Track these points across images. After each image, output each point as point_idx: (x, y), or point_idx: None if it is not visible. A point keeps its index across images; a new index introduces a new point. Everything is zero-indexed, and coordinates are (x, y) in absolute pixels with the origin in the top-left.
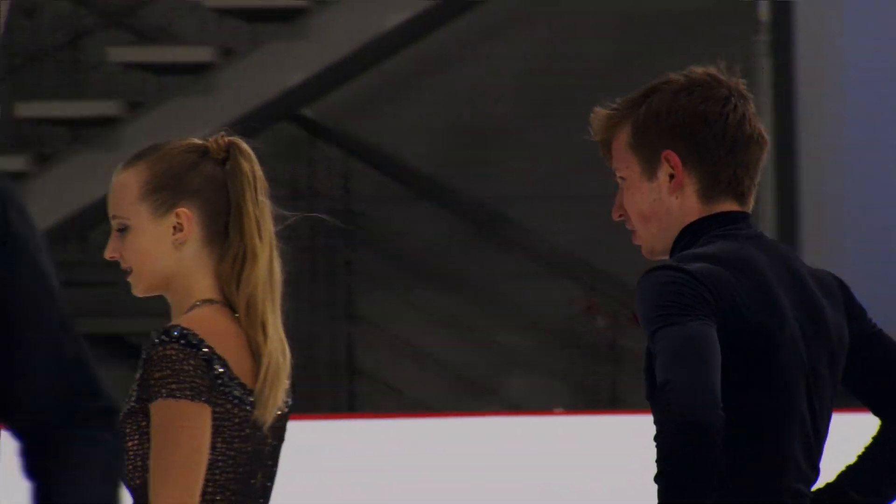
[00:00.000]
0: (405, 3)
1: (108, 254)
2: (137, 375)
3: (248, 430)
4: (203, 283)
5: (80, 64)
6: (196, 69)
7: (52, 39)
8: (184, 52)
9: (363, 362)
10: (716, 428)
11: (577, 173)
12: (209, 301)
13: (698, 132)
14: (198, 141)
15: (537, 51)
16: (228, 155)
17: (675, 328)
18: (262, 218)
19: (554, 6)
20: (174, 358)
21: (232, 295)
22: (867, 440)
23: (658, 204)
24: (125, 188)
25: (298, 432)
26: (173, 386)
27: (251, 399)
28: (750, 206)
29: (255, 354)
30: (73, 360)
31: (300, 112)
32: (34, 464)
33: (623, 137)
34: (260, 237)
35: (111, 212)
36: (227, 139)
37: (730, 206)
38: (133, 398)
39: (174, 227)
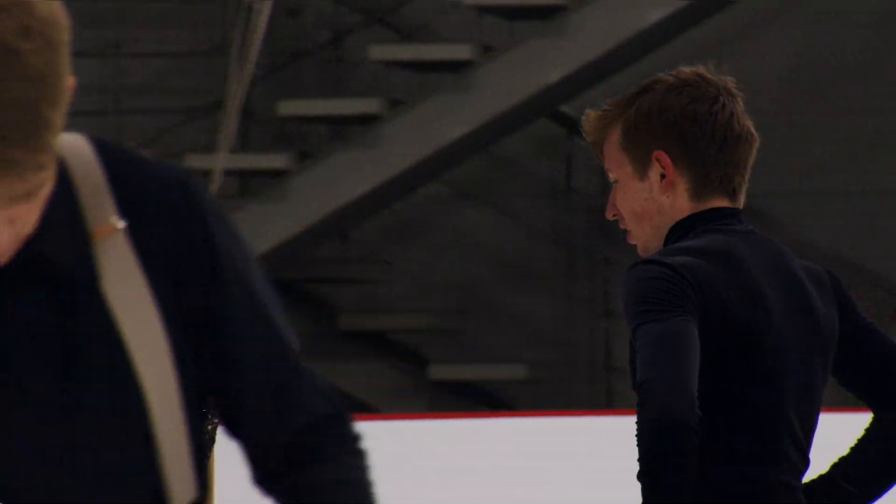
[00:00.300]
0: (665, 0)
1: None
2: None
3: None
4: None
5: (341, 62)
6: (456, 66)
7: (315, 38)
8: (444, 50)
9: (621, 359)
10: (690, 425)
11: (839, 169)
12: None
13: (688, 132)
14: None
15: (797, 45)
16: None
17: (655, 325)
18: None
19: (812, 1)
20: None
21: None
22: (860, 433)
23: (650, 203)
24: None
25: (557, 429)
26: None
27: None
28: (741, 203)
29: None
30: (289, 377)
31: (559, 109)
32: (277, 496)
33: (614, 138)
34: None
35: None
36: None
37: (721, 202)
38: None
39: None
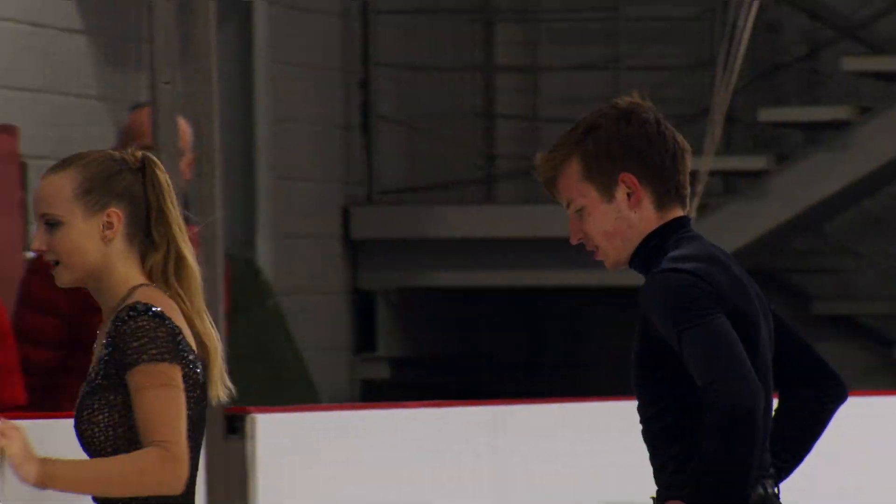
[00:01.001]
0: None
1: (36, 246)
2: (102, 355)
3: (198, 392)
4: (131, 273)
5: (816, 73)
6: None
7: (792, 51)
8: None
9: None
10: (761, 409)
11: None
12: (145, 284)
13: (646, 151)
14: (115, 153)
15: None
16: (144, 166)
17: (702, 329)
18: (180, 221)
19: None
20: (147, 327)
21: (161, 287)
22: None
23: (620, 221)
24: (59, 189)
25: None
26: (153, 351)
27: (199, 364)
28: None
29: (197, 337)
30: None
31: None
32: None
33: (572, 171)
34: (182, 238)
35: (41, 210)
36: (140, 153)
37: (678, 212)
38: (99, 375)
39: (104, 225)
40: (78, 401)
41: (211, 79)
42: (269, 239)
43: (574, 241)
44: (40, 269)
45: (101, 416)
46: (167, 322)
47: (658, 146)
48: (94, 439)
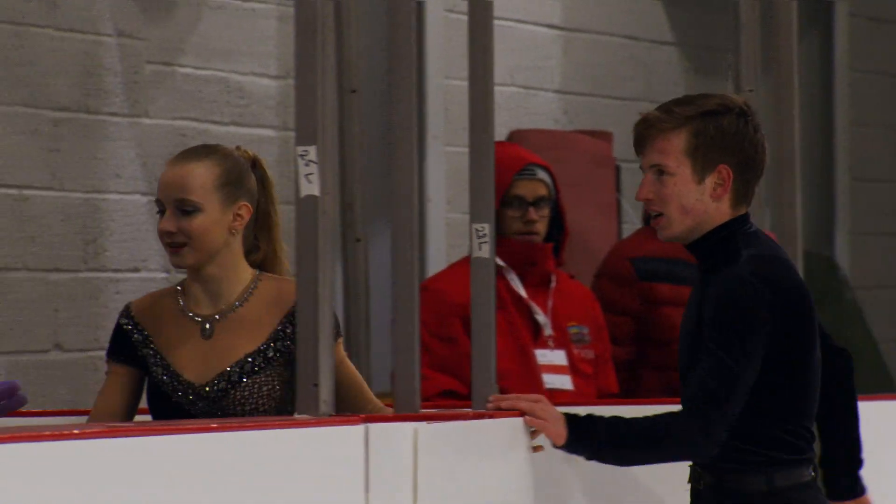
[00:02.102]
0: None
1: (165, 227)
2: (277, 333)
3: None
4: (244, 263)
5: None
6: None
7: None
8: None
9: None
10: (696, 460)
11: None
12: (263, 274)
13: (750, 156)
14: (235, 151)
15: None
16: (255, 165)
17: (730, 362)
18: (279, 218)
19: None
20: None
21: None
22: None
23: (700, 203)
24: (199, 177)
25: None
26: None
27: None
28: None
29: None
30: None
31: None
32: None
33: (679, 140)
34: (279, 234)
35: (178, 195)
36: (252, 152)
37: (744, 210)
38: (278, 352)
39: (235, 216)
40: (239, 372)
41: (792, 86)
42: (846, 236)
43: (640, 198)
44: (608, 273)
45: (266, 388)
46: None
47: (760, 154)
48: (259, 408)
